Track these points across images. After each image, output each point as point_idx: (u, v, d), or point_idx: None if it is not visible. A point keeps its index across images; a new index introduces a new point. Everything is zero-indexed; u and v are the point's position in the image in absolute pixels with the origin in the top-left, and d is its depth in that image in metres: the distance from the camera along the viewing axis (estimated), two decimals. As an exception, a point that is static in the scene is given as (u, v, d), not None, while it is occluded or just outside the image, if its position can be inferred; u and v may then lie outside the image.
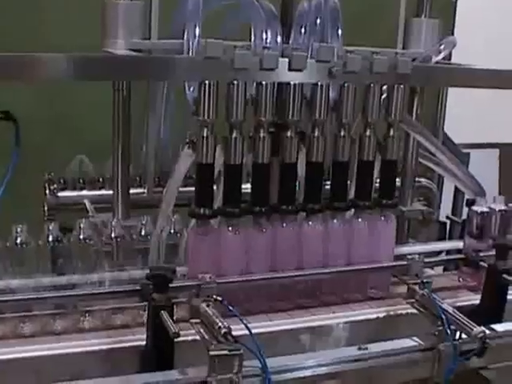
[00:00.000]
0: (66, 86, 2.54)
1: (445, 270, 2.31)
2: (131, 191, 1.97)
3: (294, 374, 1.58)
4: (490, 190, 2.24)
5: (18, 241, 1.67)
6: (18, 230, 1.68)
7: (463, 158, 2.60)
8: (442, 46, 2.08)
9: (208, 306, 1.57)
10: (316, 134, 1.81)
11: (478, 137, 3.67)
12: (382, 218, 1.94)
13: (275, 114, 1.76)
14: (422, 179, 2.53)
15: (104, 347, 1.62)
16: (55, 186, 2.11)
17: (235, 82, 1.68)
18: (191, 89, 1.73)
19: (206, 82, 1.65)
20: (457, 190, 2.83)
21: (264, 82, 1.72)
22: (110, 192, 1.97)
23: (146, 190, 2.07)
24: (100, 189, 2.13)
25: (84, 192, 2.12)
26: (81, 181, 2.15)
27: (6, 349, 1.58)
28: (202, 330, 1.54)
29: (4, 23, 2.86)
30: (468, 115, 3.55)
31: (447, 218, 2.62)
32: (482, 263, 1.97)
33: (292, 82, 1.75)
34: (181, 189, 1.82)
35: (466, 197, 2.21)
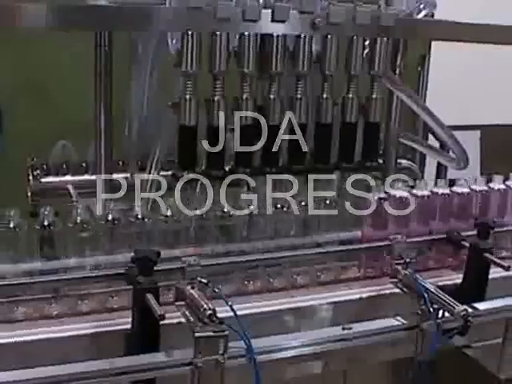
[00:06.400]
0: (45, 71, 2.51)
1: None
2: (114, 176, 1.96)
3: (279, 355, 1.60)
4: (472, 172, 2.25)
5: (11, 225, 1.64)
6: (11, 213, 1.65)
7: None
8: (422, 5, 2.08)
9: (193, 288, 1.58)
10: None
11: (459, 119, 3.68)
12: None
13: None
14: (403, 160, 2.53)
15: (89, 331, 1.61)
16: (38, 171, 2.10)
17: (218, 33, 1.68)
18: (173, 40, 1.73)
19: (189, 32, 1.66)
20: (438, 171, 2.83)
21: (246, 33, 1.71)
22: (93, 177, 1.96)
23: (128, 175, 2.06)
24: (83, 174, 2.12)
25: (67, 177, 2.11)
26: (64, 166, 2.13)
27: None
28: (186, 312, 1.55)
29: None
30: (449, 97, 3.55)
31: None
32: (463, 242, 1.99)
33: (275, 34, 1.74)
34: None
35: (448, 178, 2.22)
